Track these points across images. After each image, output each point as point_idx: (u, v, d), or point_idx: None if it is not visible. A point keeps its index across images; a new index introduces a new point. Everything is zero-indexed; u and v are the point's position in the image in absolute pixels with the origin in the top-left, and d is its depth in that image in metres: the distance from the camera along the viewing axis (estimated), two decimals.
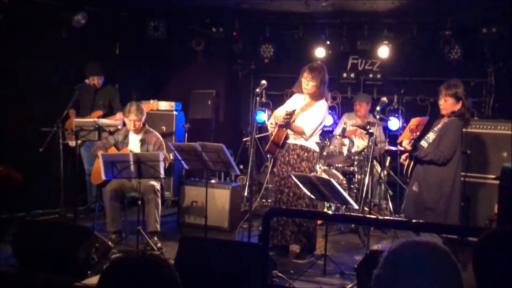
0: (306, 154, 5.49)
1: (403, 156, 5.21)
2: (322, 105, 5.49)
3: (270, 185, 7.30)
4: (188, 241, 4.77)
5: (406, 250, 1.50)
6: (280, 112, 5.47)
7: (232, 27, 8.54)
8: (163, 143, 6.11)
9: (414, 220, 5.12)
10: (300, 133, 5.43)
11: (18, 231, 5.03)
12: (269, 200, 7.53)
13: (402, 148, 5.15)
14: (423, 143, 5.04)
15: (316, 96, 5.48)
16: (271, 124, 5.59)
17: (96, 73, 7.19)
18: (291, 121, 5.35)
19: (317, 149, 5.68)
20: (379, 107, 5.69)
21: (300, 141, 5.51)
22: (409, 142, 4.99)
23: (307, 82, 5.43)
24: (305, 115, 5.46)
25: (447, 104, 4.97)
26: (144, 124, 6.15)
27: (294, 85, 5.67)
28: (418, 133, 5.05)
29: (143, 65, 8.85)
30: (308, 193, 5.17)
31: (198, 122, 8.37)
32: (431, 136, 5.02)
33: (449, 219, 4.91)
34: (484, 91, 7.78)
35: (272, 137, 5.53)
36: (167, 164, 5.52)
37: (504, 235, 1.80)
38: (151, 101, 6.67)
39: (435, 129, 5.05)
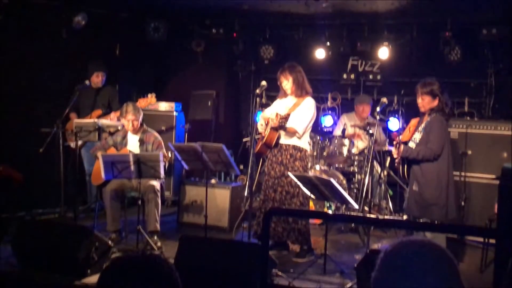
0: (299, 153, 5.55)
1: (397, 161, 5.27)
2: (309, 102, 5.59)
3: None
4: (188, 241, 4.77)
5: (402, 250, 1.50)
6: (268, 113, 5.59)
7: (232, 28, 8.55)
8: (162, 142, 6.12)
9: (417, 219, 5.17)
10: (293, 133, 5.51)
11: (18, 231, 5.03)
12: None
13: (395, 155, 5.24)
14: (411, 144, 5.14)
15: (298, 93, 5.57)
16: (261, 125, 5.67)
17: (101, 68, 7.20)
18: (283, 126, 5.45)
19: (309, 148, 5.76)
20: (379, 108, 5.71)
21: (292, 141, 5.57)
22: (396, 148, 5.09)
23: (284, 84, 5.59)
24: (295, 114, 5.54)
25: (424, 102, 5.12)
26: (142, 124, 6.16)
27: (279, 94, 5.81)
28: (400, 137, 5.19)
29: (143, 66, 8.85)
30: (308, 193, 5.19)
31: (198, 123, 8.37)
32: (417, 136, 5.15)
33: (450, 210, 5.05)
34: (484, 92, 7.77)
35: (264, 139, 5.57)
36: (166, 162, 5.53)
37: None
38: (149, 95, 6.66)
39: (419, 128, 5.17)
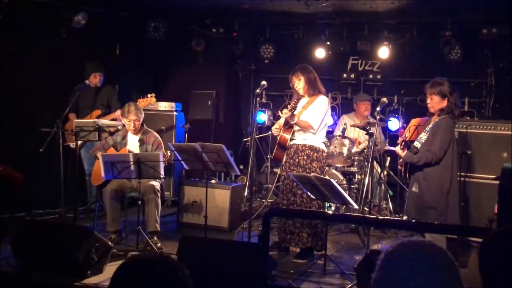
0: (315, 154, 5.51)
1: (400, 161, 5.23)
2: (322, 99, 5.58)
3: (270, 185, 7.30)
4: (188, 241, 4.77)
5: (402, 251, 1.50)
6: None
7: (232, 28, 8.55)
8: (162, 143, 6.11)
9: (414, 220, 5.14)
10: (307, 127, 5.46)
11: (18, 231, 5.02)
12: (269, 200, 7.53)
13: (398, 152, 5.20)
14: (416, 144, 5.05)
15: (311, 92, 5.56)
16: (276, 128, 5.64)
17: (99, 69, 7.19)
18: (295, 116, 5.42)
19: (325, 149, 5.72)
20: (379, 107, 5.70)
21: (308, 141, 5.53)
22: (401, 147, 5.05)
23: (296, 84, 5.57)
24: (307, 111, 5.53)
25: (433, 102, 5.06)
26: (142, 124, 6.15)
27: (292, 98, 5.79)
28: (406, 135, 5.13)
29: (143, 65, 8.84)
30: (308, 193, 5.18)
31: (198, 123, 8.37)
32: (423, 136, 5.05)
33: (450, 216, 4.92)
34: (484, 92, 7.78)
35: (278, 140, 5.56)
36: (166, 161, 5.52)
37: (510, 234, 1.79)
38: (149, 95, 6.64)
39: (426, 129, 5.08)
